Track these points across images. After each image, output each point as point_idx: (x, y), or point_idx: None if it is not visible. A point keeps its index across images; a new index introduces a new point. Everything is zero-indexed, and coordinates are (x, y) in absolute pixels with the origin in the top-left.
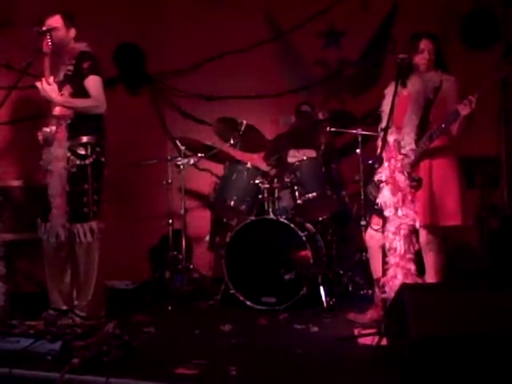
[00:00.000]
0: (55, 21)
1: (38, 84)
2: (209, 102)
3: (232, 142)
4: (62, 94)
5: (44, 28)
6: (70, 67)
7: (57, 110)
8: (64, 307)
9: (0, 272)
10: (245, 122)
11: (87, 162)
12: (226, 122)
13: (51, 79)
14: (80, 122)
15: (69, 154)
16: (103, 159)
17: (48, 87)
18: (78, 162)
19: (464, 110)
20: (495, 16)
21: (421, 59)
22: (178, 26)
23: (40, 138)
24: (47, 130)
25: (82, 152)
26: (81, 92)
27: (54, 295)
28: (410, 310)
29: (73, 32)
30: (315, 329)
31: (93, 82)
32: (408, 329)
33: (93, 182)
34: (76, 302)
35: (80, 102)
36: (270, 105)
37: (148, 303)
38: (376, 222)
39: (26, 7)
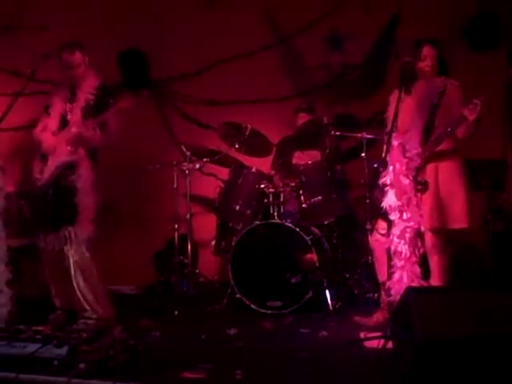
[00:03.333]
0: (78, 58)
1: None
2: (213, 107)
3: (237, 146)
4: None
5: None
6: (91, 97)
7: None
8: (70, 309)
9: (6, 277)
10: (249, 126)
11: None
12: (230, 127)
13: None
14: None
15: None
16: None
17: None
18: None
19: (470, 115)
20: (499, 19)
21: (424, 66)
22: (182, 32)
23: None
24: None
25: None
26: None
27: (59, 299)
28: (416, 313)
29: (87, 60)
30: (321, 332)
31: (114, 117)
32: (414, 332)
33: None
34: (84, 308)
35: (97, 140)
36: (274, 109)
37: (154, 308)
38: (380, 225)
39: (32, 13)
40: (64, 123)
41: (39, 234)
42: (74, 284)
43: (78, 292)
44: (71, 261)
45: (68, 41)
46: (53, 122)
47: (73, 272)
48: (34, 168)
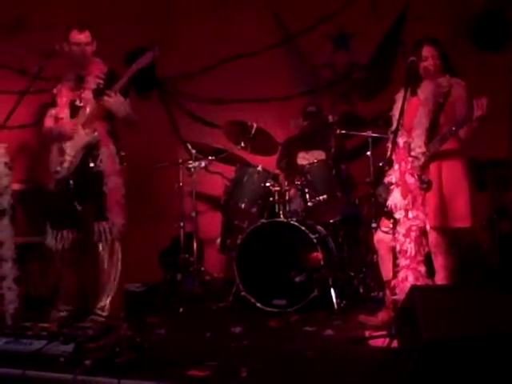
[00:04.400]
0: (86, 36)
1: (107, 97)
2: (219, 105)
3: (242, 144)
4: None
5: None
6: (100, 80)
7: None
8: (72, 308)
9: (13, 274)
10: (255, 124)
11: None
12: (236, 125)
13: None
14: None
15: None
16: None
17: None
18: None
19: (476, 114)
20: (506, 17)
21: (427, 66)
22: (187, 30)
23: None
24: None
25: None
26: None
27: (65, 297)
28: (421, 312)
29: (95, 45)
30: (326, 331)
31: (130, 102)
32: (419, 331)
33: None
34: (98, 302)
35: (134, 116)
36: (279, 108)
37: (159, 305)
38: (385, 224)
39: (39, 12)
40: (74, 111)
41: (49, 230)
42: (101, 281)
43: (101, 288)
44: (101, 258)
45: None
46: (62, 111)
47: (102, 268)
48: (51, 162)
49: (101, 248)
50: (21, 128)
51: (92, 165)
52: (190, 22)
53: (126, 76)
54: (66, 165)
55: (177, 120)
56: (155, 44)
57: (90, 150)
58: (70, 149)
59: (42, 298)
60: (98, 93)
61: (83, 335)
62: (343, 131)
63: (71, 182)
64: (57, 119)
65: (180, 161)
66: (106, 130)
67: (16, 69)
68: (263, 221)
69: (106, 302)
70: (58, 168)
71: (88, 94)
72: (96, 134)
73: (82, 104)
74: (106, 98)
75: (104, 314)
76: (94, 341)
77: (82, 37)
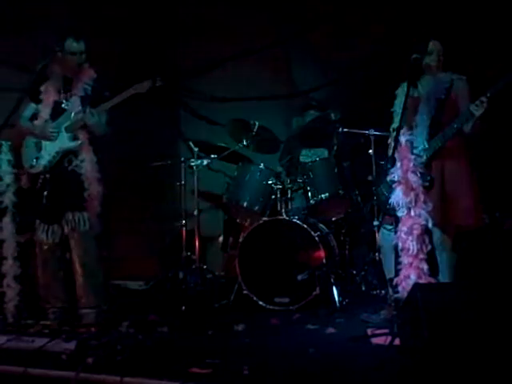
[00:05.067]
0: (82, 46)
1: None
2: (222, 104)
3: (245, 142)
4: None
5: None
6: (88, 87)
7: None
8: (63, 305)
9: (14, 272)
10: (257, 123)
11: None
12: (238, 123)
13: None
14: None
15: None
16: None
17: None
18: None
19: (476, 111)
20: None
21: (430, 61)
22: (190, 29)
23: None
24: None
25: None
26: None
27: (55, 298)
28: (423, 310)
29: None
30: (328, 329)
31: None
32: (421, 328)
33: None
34: (83, 298)
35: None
36: (282, 106)
37: (161, 303)
38: (388, 222)
39: (41, 10)
40: (57, 111)
41: (39, 225)
42: (77, 277)
43: (78, 286)
44: (74, 252)
45: (71, 29)
46: (46, 110)
47: (76, 265)
48: (24, 156)
49: (73, 243)
50: None
51: (67, 165)
52: (193, 21)
53: (118, 98)
54: (42, 162)
55: (179, 118)
56: (157, 75)
57: (68, 153)
58: (50, 147)
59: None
60: (91, 102)
61: (85, 332)
62: (345, 129)
63: (47, 177)
64: (37, 116)
65: (182, 159)
66: (88, 137)
67: (18, 66)
68: (265, 219)
69: (90, 296)
70: (34, 163)
71: (76, 100)
72: (79, 141)
73: (67, 107)
74: (88, 114)
75: (92, 305)
76: (96, 338)
77: (78, 46)
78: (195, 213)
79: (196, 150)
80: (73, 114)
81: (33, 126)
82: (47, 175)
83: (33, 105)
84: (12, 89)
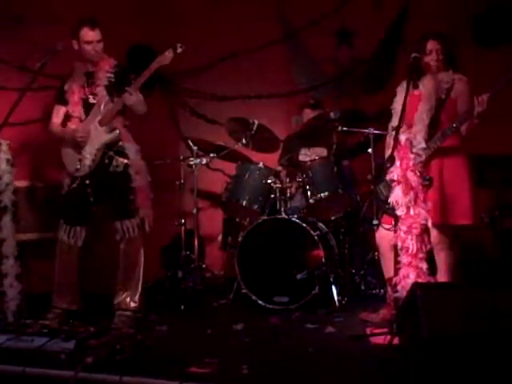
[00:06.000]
0: (98, 34)
1: (128, 93)
2: (221, 102)
3: (244, 141)
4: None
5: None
6: (111, 75)
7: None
8: (70, 306)
9: (15, 271)
10: (257, 121)
11: (130, 161)
12: (238, 122)
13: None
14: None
15: (112, 154)
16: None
17: (137, 96)
18: (123, 161)
19: (476, 110)
20: (507, 15)
21: (430, 60)
22: (190, 27)
23: (84, 139)
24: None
25: (127, 152)
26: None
27: (64, 297)
28: (422, 309)
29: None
30: (327, 328)
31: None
32: (420, 328)
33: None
34: (122, 299)
35: (145, 107)
36: (281, 104)
37: (160, 302)
38: (387, 221)
39: (40, 6)
40: (87, 108)
41: (62, 225)
42: (130, 277)
43: (130, 286)
44: (124, 255)
45: (85, 17)
46: (76, 109)
47: (124, 265)
48: (67, 160)
49: (123, 246)
50: (23, 125)
51: (107, 164)
52: (192, 19)
53: (146, 73)
54: (87, 162)
55: (178, 116)
56: (177, 43)
57: (107, 150)
58: (90, 147)
59: (43, 295)
60: (118, 89)
61: (84, 332)
62: (345, 128)
63: (87, 181)
64: (70, 117)
65: (181, 157)
66: (124, 125)
67: (17, 65)
68: (264, 218)
69: (135, 295)
70: (78, 166)
71: (101, 91)
72: (117, 131)
73: (95, 101)
74: (127, 95)
75: (135, 305)
76: (95, 338)
77: (94, 34)
78: (194, 212)
79: (195, 148)
80: (102, 106)
81: (63, 132)
82: (87, 179)
83: (61, 107)
84: (11, 88)
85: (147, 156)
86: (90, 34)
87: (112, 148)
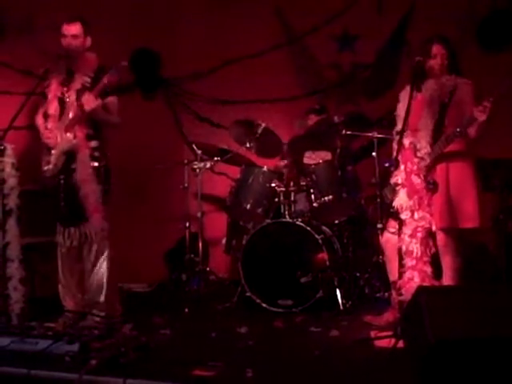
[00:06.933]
0: (76, 28)
1: (85, 99)
2: (224, 106)
3: (248, 145)
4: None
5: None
6: (88, 79)
7: (79, 120)
8: (79, 306)
9: (20, 274)
10: (263, 124)
11: (100, 164)
12: (242, 126)
13: (96, 94)
14: (90, 129)
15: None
16: (109, 163)
17: (97, 102)
18: (92, 164)
19: (480, 116)
20: None
21: (434, 64)
22: (193, 31)
23: (52, 142)
24: (75, 141)
25: (97, 155)
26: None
27: (71, 298)
28: (427, 313)
29: (89, 40)
30: (332, 331)
31: (113, 101)
32: (425, 332)
33: (105, 184)
34: (92, 303)
35: (113, 119)
36: (285, 108)
37: (165, 305)
38: (392, 225)
39: (45, 13)
40: (62, 107)
41: (58, 228)
42: (90, 280)
43: (91, 288)
44: (89, 258)
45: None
46: (52, 107)
47: (90, 269)
48: (42, 160)
49: (85, 251)
50: (28, 129)
51: (74, 167)
52: (195, 23)
53: (101, 84)
54: (50, 166)
55: (182, 120)
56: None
57: (71, 154)
58: (56, 150)
59: (47, 298)
60: (78, 98)
61: (89, 335)
62: (349, 132)
63: (61, 181)
64: (46, 115)
65: (185, 161)
66: (86, 133)
67: (22, 70)
68: (268, 221)
69: (98, 300)
70: (45, 167)
71: (72, 95)
72: (75, 141)
73: (67, 103)
74: (84, 100)
75: (100, 313)
76: (100, 340)
77: (70, 28)
78: (199, 215)
79: (199, 152)
80: (70, 113)
81: (42, 131)
82: (60, 180)
83: (42, 106)
84: (16, 93)
85: (151, 160)
86: (65, 28)
87: (69, 155)
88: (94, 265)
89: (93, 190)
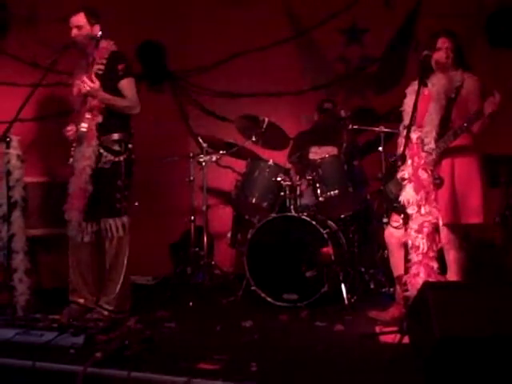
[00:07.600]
0: (79, 19)
1: (80, 81)
2: (231, 99)
3: (254, 139)
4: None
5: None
6: (101, 66)
7: (90, 108)
8: (87, 302)
9: (25, 266)
10: (267, 119)
11: (121, 158)
12: (248, 119)
13: (93, 76)
14: (111, 120)
15: (102, 151)
16: (133, 156)
17: (92, 84)
18: (112, 158)
19: (487, 110)
20: None
21: (439, 58)
22: (200, 24)
23: (71, 135)
24: (84, 129)
25: (117, 148)
26: (110, 92)
27: (78, 291)
28: (433, 309)
29: (97, 29)
30: (336, 326)
31: (128, 84)
32: (431, 327)
33: (125, 179)
34: (103, 297)
35: (120, 101)
36: (291, 102)
37: (169, 299)
38: (395, 219)
39: (51, 4)
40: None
41: (74, 221)
42: (109, 276)
43: (108, 283)
44: (107, 254)
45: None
46: (75, 102)
47: (110, 264)
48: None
49: (107, 245)
50: (34, 121)
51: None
52: (202, 16)
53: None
54: (71, 159)
55: (188, 113)
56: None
57: (99, 145)
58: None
59: (52, 289)
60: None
61: (94, 327)
62: (355, 126)
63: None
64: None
65: (191, 154)
66: (96, 123)
67: (28, 62)
68: (274, 215)
69: (111, 296)
70: (69, 160)
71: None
72: (83, 129)
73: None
74: (80, 81)
75: (109, 308)
76: (105, 333)
77: (74, 19)
78: (204, 208)
79: (205, 145)
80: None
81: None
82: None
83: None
84: (22, 85)
85: (157, 152)
86: (70, 20)
87: (103, 144)
88: (114, 260)
89: (78, 187)
